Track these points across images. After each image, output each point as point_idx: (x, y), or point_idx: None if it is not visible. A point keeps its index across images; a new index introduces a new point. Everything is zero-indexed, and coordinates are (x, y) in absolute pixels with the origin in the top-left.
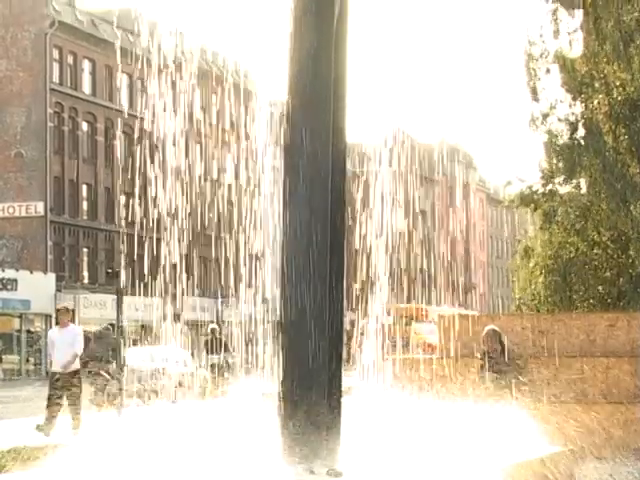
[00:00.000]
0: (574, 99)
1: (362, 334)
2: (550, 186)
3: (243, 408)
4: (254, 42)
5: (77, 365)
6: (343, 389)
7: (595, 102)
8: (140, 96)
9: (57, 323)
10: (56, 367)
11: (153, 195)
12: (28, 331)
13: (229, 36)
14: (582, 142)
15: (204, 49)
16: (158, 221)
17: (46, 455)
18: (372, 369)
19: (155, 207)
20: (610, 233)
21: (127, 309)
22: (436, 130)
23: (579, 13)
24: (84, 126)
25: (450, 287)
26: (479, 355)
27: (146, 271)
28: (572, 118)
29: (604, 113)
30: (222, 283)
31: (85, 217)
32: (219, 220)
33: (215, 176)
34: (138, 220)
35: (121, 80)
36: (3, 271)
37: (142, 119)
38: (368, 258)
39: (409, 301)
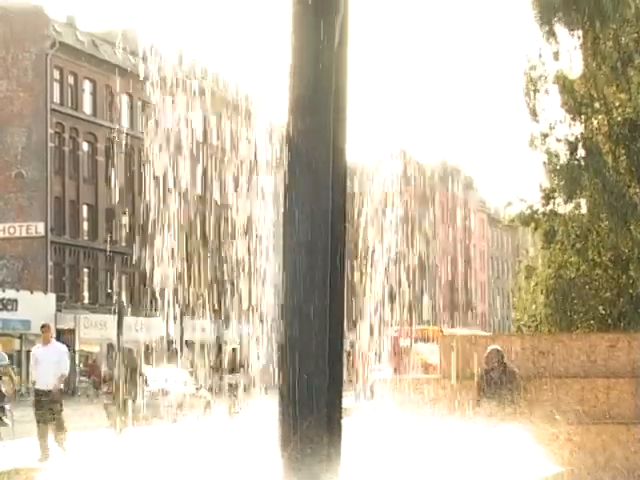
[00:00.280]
0: (574, 119)
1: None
2: (550, 206)
3: (244, 429)
4: (254, 63)
5: (61, 384)
6: (343, 410)
7: (595, 122)
8: (141, 116)
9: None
10: (40, 385)
11: (152, 215)
12: (29, 351)
13: (229, 57)
14: (582, 162)
15: (204, 69)
16: (158, 241)
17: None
18: (373, 390)
19: (155, 227)
20: (611, 253)
21: (127, 329)
22: (436, 151)
23: (578, 34)
24: (85, 146)
25: (450, 307)
26: (480, 375)
27: (145, 291)
28: (572, 138)
29: (604, 133)
30: (223, 303)
31: (86, 237)
32: (219, 239)
33: (216, 196)
34: (138, 240)
35: (121, 100)
36: (3, 291)
37: (142, 139)
38: (364, 278)
39: (406, 322)
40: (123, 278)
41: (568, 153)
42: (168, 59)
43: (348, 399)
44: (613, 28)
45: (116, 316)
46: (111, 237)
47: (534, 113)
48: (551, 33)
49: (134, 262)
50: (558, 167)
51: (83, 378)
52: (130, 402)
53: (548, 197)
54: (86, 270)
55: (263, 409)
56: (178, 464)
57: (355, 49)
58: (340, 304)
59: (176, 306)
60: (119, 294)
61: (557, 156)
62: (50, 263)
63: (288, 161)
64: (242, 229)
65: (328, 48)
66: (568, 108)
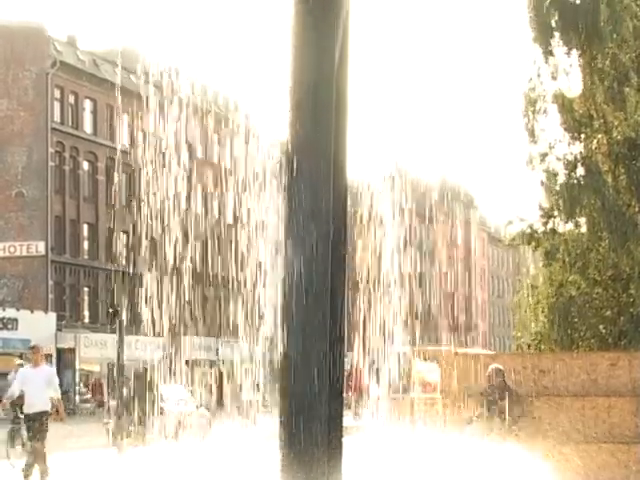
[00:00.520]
0: (573, 138)
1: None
2: (550, 225)
3: (245, 449)
4: (254, 82)
5: (46, 406)
6: (344, 429)
7: (594, 141)
8: (141, 135)
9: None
10: (29, 409)
11: (153, 234)
12: None
13: (230, 75)
14: (581, 181)
15: (205, 88)
16: (158, 260)
17: None
18: (375, 409)
19: (155, 246)
20: (611, 272)
21: (127, 348)
22: (437, 169)
23: (576, 53)
24: (85, 165)
25: (451, 326)
26: (481, 393)
27: (147, 311)
28: (571, 157)
29: (603, 152)
30: (223, 322)
31: (86, 256)
32: (219, 259)
33: (216, 215)
34: (139, 259)
35: (122, 119)
36: (4, 310)
37: (142, 158)
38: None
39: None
40: (123, 297)
41: (567, 172)
42: (168, 79)
43: (347, 418)
44: (611, 47)
45: (116, 335)
46: (112, 256)
47: (532, 134)
48: (549, 53)
49: (134, 281)
50: (557, 186)
51: (85, 396)
52: (141, 420)
53: (548, 216)
54: (86, 289)
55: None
56: None
57: (355, 69)
58: (341, 322)
59: (176, 325)
60: (120, 313)
61: (556, 175)
62: (50, 282)
63: (288, 178)
64: (244, 245)
65: (328, 64)
66: (567, 127)
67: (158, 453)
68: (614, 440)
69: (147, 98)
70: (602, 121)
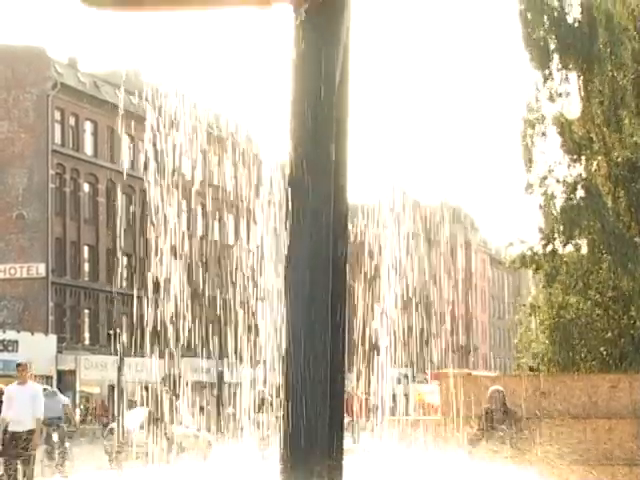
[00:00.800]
0: (573, 160)
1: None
2: (550, 247)
3: (246, 471)
4: (255, 104)
5: (33, 425)
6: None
7: (594, 164)
8: (142, 157)
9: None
10: (14, 426)
11: (154, 256)
12: None
13: (230, 98)
14: (581, 203)
15: (206, 110)
16: (159, 282)
17: None
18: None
19: (156, 268)
20: (611, 294)
21: (127, 370)
22: (438, 192)
23: (574, 76)
24: (85, 187)
25: (451, 348)
26: (482, 415)
27: (147, 332)
28: (571, 180)
29: (603, 175)
30: (223, 344)
31: (86, 278)
32: (220, 281)
33: (217, 237)
34: (138, 281)
35: (122, 141)
36: (4, 332)
37: (143, 180)
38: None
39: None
40: (124, 318)
41: (567, 194)
42: (170, 101)
43: (347, 440)
44: (609, 70)
45: (117, 357)
46: (112, 277)
47: (529, 162)
48: (548, 76)
49: (135, 303)
50: (557, 209)
51: (83, 416)
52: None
53: (548, 238)
54: (87, 311)
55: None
56: None
57: (356, 90)
58: (342, 346)
59: (177, 346)
60: (120, 334)
61: (554, 198)
62: (51, 304)
63: (288, 199)
64: (245, 271)
65: (329, 85)
66: (567, 149)
67: (158, 474)
68: (615, 462)
69: (148, 120)
70: (602, 143)
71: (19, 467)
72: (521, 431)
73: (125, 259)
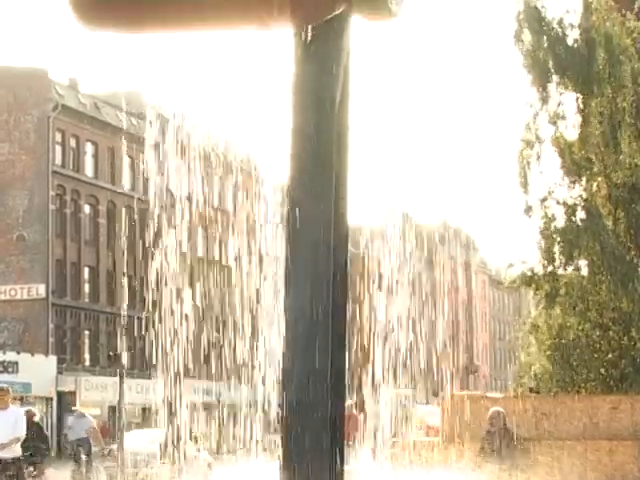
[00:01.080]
0: (573, 182)
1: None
2: (550, 268)
3: None
4: (256, 125)
5: (18, 452)
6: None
7: (594, 185)
8: (142, 178)
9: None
10: None
11: (155, 278)
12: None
13: (231, 119)
14: (581, 225)
15: (207, 132)
16: (159, 303)
17: None
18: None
19: (156, 289)
20: (611, 315)
21: (128, 391)
22: (437, 212)
23: (574, 97)
24: (86, 208)
25: (452, 369)
26: (483, 436)
27: (147, 354)
28: (571, 201)
29: (603, 196)
30: (225, 365)
31: (87, 299)
32: (220, 302)
33: (217, 257)
34: (139, 302)
35: (123, 162)
36: (4, 354)
37: (144, 201)
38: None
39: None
40: (124, 340)
41: (567, 216)
42: (169, 121)
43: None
44: (609, 92)
45: (117, 378)
46: (112, 298)
47: (524, 186)
48: (547, 96)
49: (135, 324)
50: (556, 231)
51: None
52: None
53: (548, 259)
54: (87, 332)
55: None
56: None
57: (356, 115)
58: (342, 368)
59: (176, 368)
60: (120, 356)
61: (555, 219)
62: (51, 325)
63: (288, 223)
64: (246, 292)
65: (329, 108)
66: (567, 171)
67: None
68: None
69: (148, 141)
70: (601, 165)
71: None
72: (522, 452)
73: (126, 280)
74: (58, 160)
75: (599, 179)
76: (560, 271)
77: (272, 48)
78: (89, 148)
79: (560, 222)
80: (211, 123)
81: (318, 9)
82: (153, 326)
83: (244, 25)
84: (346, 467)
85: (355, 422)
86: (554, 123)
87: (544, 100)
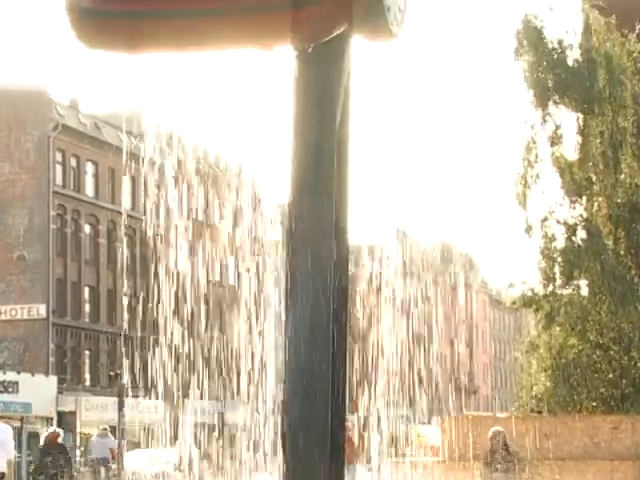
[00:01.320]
0: (573, 202)
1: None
2: (550, 288)
3: None
4: (256, 145)
5: (4, 468)
6: None
7: (595, 205)
8: (143, 198)
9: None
10: None
11: (155, 297)
12: (30, 433)
13: (231, 138)
14: (581, 245)
15: (207, 151)
16: (159, 323)
17: None
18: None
19: (157, 309)
20: (612, 335)
21: (128, 411)
22: (438, 232)
23: (574, 116)
24: (87, 228)
25: (452, 390)
26: (483, 456)
27: (148, 374)
28: (571, 221)
29: (603, 216)
30: (225, 385)
31: (87, 319)
32: (221, 321)
33: (217, 278)
34: (139, 322)
35: (123, 182)
36: (4, 374)
37: (145, 222)
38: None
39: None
40: (125, 360)
41: (568, 236)
42: (169, 141)
43: None
44: (609, 112)
45: (117, 398)
46: (113, 318)
47: (524, 206)
48: (547, 116)
49: (136, 344)
50: (557, 250)
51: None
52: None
53: (548, 279)
54: (87, 352)
55: None
56: None
57: (357, 136)
58: (342, 387)
59: (176, 388)
60: (121, 376)
61: (554, 239)
62: (51, 345)
63: (288, 241)
64: (246, 311)
65: (329, 128)
66: (567, 190)
67: None
68: None
69: (147, 160)
70: (602, 184)
71: None
72: (523, 472)
73: (126, 300)
74: (59, 180)
75: (599, 199)
76: (560, 291)
77: (272, 69)
78: (89, 168)
79: (560, 242)
80: (211, 142)
81: (318, 30)
82: (154, 346)
83: (244, 46)
84: None
85: (351, 444)
86: (554, 143)
87: (544, 120)
